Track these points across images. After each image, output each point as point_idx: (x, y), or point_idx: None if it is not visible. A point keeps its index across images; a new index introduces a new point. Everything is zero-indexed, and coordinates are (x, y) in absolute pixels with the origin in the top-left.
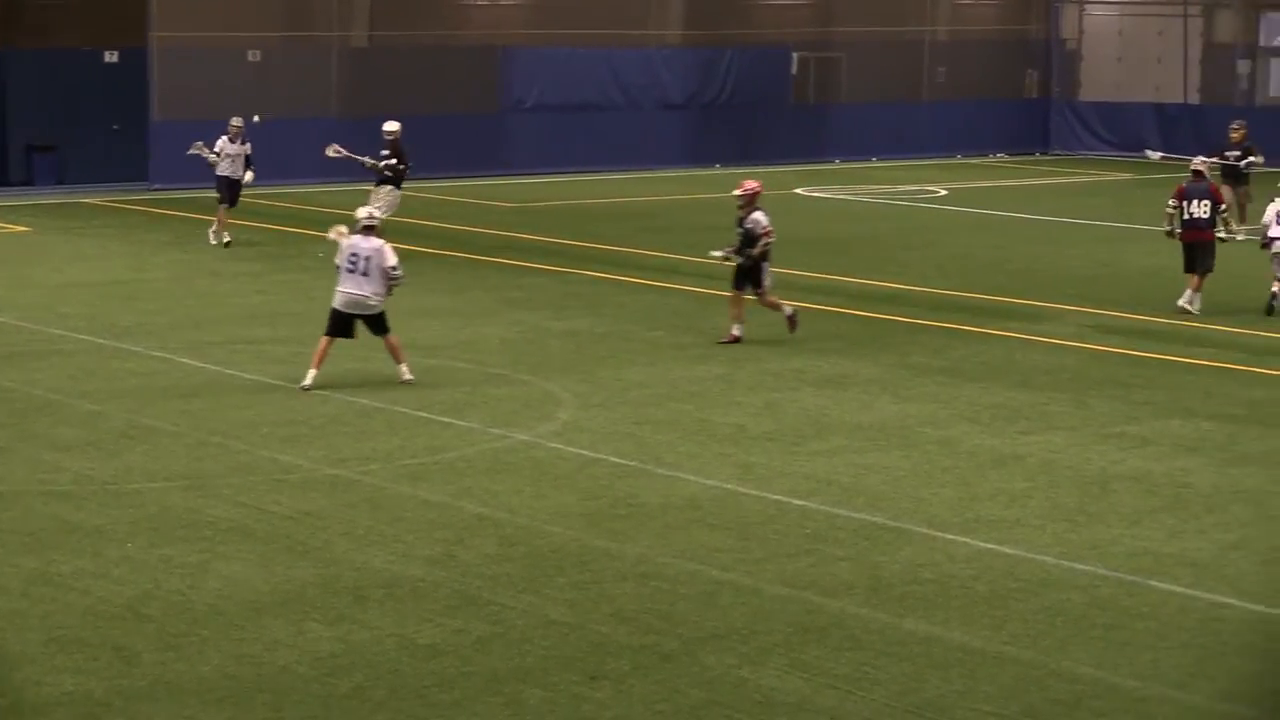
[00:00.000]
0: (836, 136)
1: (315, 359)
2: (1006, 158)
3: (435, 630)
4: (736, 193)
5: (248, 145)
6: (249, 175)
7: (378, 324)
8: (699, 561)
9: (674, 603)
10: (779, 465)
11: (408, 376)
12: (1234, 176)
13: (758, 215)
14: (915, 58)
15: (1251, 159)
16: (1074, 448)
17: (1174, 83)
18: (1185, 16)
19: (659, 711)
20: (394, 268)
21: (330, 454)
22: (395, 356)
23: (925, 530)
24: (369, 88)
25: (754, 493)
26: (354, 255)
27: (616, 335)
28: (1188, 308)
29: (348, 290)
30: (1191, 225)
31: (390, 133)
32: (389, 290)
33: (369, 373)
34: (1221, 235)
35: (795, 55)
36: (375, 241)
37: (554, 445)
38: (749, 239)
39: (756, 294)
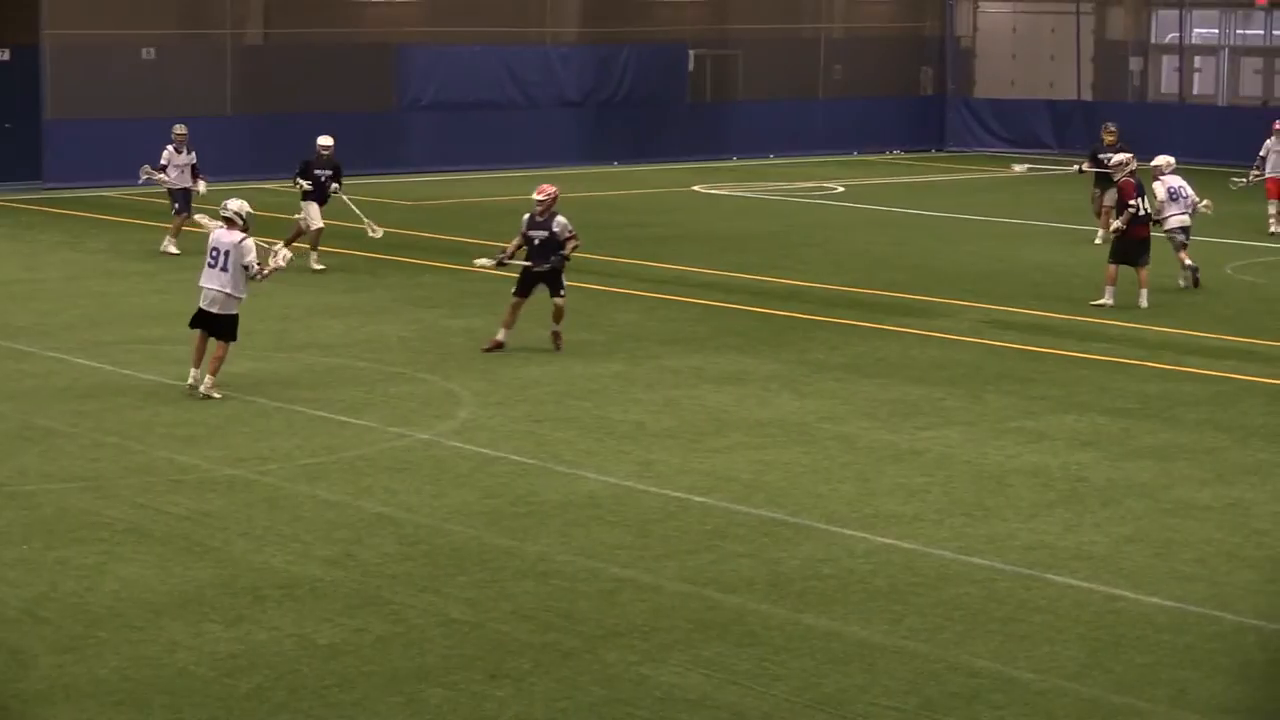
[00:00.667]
0: (734, 134)
1: (193, 357)
2: (903, 154)
3: (335, 630)
4: (538, 197)
5: (193, 155)
6: (202, 186)
7: (220, 327)
8: (599, 559)
9: (574, 600)
10: (679, 462)
11: (211, 392)
12: (1108, 180)
13: (561, 219)
14: (812, 55)
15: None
16: (971, 443)
17: (1067, 80)
18: (1078, 14)
19: (560, 709)
20: (248, 265)
21: (228, 454)
22: (212, 366)
23: (824, 526)
24: (264, 86)
25: (654, 490)
26: (214, 249)
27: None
28: (1109, 303)
29: (204, 285)
30: (1140, 221)
31: (327, 148)
32: (246, 284)
33: (267, 373)
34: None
35: (692, 53)
36: (235, 235)
37: (453, 444)
38: (553, 244)
39: (558, 300)
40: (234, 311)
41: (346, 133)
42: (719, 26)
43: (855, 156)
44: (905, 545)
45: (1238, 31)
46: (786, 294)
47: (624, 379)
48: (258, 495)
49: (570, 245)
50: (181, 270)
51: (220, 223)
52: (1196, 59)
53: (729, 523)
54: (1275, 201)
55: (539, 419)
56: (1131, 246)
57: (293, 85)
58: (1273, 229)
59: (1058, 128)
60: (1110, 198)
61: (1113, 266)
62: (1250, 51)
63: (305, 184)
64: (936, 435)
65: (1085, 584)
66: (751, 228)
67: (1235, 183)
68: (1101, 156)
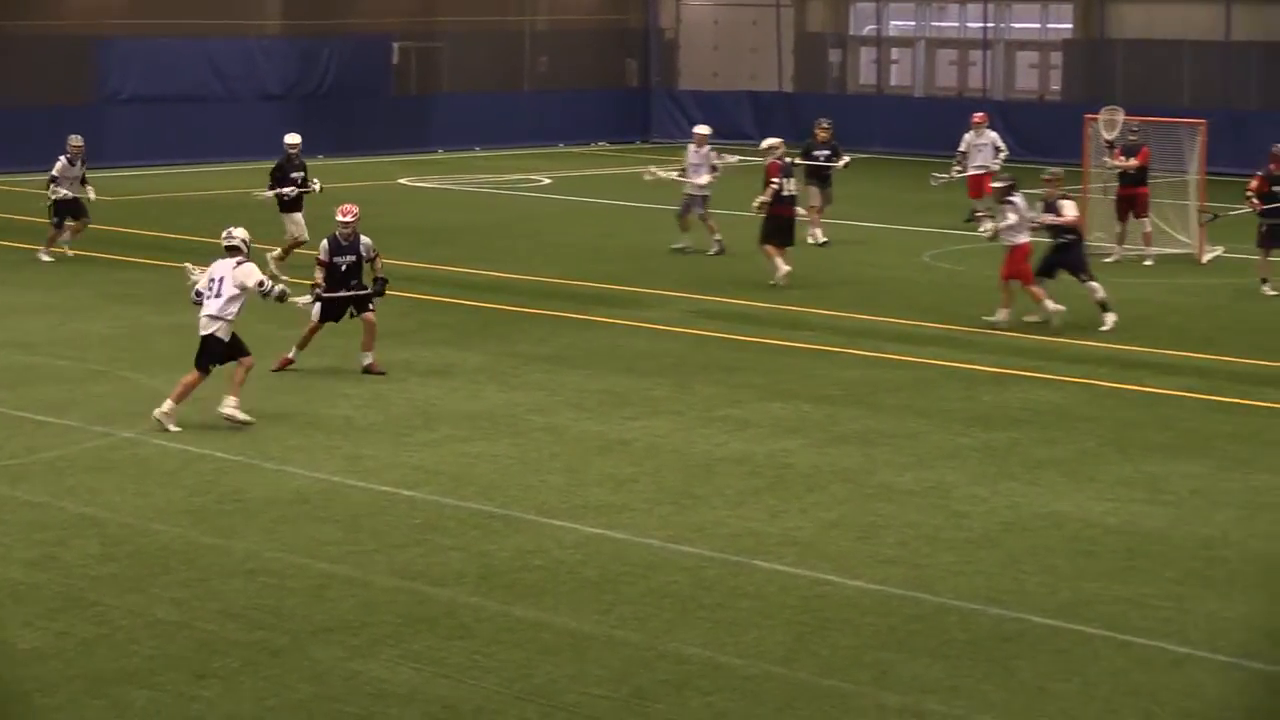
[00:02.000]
0: (439, 126)
1: (177, 391)
2: (608, 146)
3: (37, 634)
4: (344, 219)
5: (84, 166)
6: (91, 193)
7: (234, 348)
8: (307, 555)
9: (283, 597)
10: (387, 456)
11: (236, 413)
12: (820, 177)
13: (366, 239)
14: (517, 47)
15: (844, 160)
16: (679, 432)
17: (769, 72)
18: (778, 6)
19: (269, 708)
20: (260, 284)
21: None
22: (235, 388)
23: (534, 517)
24: None
25: (362, 484)
26: (213, 279)
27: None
28: (782, 282)
29: (206, 315)
30: (784, 201)
31: (296, 145)
32: (239, 305)
33: None
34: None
35: (396, 45)
36: (233, 260)
37: (158, 442)
38: (359, 267)
39: (368, 316)
40: (231, 332)
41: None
42: (423, 19)
43: (561, 148)
44: (614, 535)
45: (933, 24)
46: (494, 286)
47: (332, 373)
48: None
49: (379, 263)
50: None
51: (200, 268)
52: (894, 51)
53: (438, 516)
54: (975, 200)
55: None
56: (778, 225)
57: None
58: (983, 226)
59: (760, 119)
60: (822, 197)
61: (769, 246)
62: (945, 43)
63: (287, 192)
64: (644, 425)
65: (791, 569)
66: (458, 220)
67: (937, 178)
68: (816, 153)
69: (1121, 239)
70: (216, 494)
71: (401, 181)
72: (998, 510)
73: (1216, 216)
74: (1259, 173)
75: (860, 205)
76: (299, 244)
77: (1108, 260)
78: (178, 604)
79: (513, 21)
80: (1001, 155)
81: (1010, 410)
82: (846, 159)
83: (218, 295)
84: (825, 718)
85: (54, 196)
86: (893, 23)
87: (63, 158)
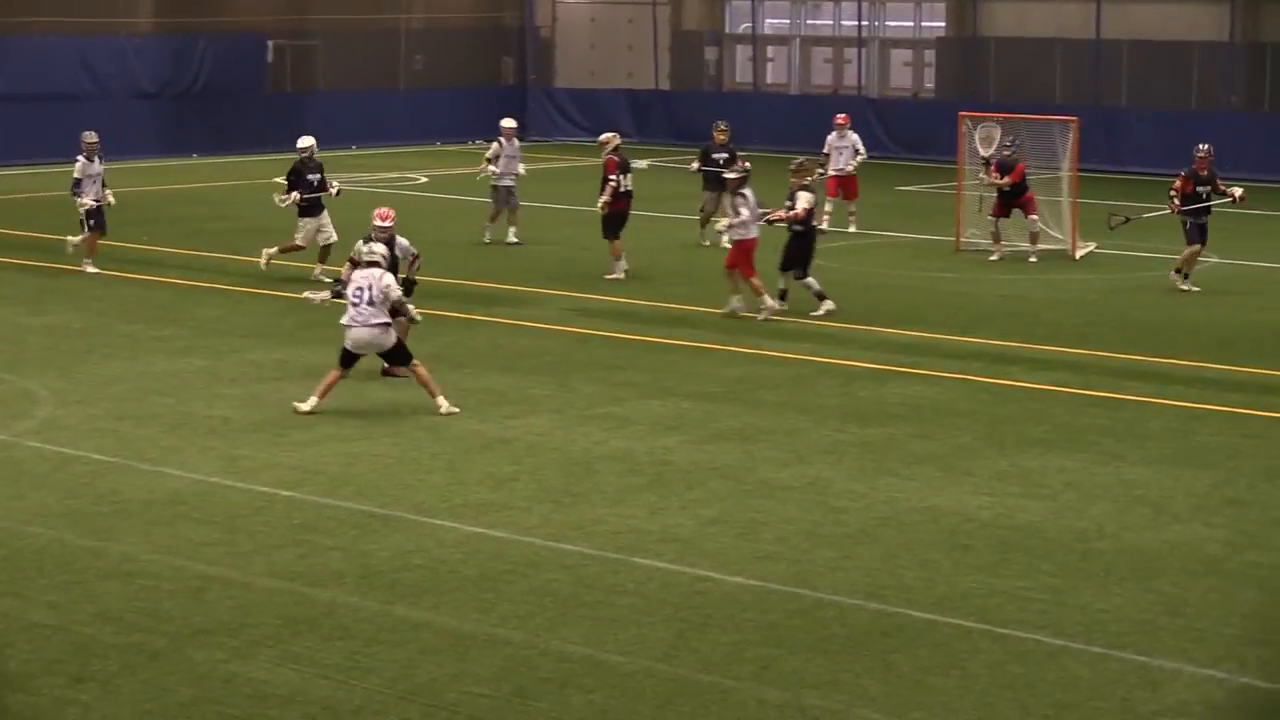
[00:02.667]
0: (315, 125)
1: (321, 388)
2: (485, 144)
3: None
4: (382, 223)
5: (103, 163)
6: (110, 197)
7: (395, 353)
8: (185, 557)
9: (160, 600)
10: (265, 456)
11: (452, 408)
12: (719, 181)
13: (403, 241)
14: (392, 45)
15: (746, 166)
16: (559, 430)
17: (645, 69)
18: (654, 4)
19: (147, 711)
20: (388, 293)
21: None
22: (431, 389)
23: (414, 517)
24: None
25: (240, 485)
26: (359, 288)
27: (96, 330)
28: (620, 276)
29: (356, 323)
30: (622, 196)
31: (308, 147)
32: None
33: None
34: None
35: (271, 43)
36: (377, 271)
37: (32, 444)
38: (394, 269)
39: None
40: (392, 335)
41: None
42: (298, 16)
43: (438, 146)
44: (495, 534)
45: (808, 22)
46: None
47: (208, 374)
48: None
49: (416, 265)
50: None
51: (325, 294)
52: (770, 49)
53: (317, 516)
54: (833, 199)
55: (120, 417)
56: (615, 220)
57: None
58: (836, 224)
59: (637, 117)
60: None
61: (613, 241)
62: (820, 41)
63: (298, 197)
64: (525, 423)
65: (672, 566)
66: (335, 219)
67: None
68: (715, 156)
69: (997, 238)
70: (92, 496)
71: (278, 180)
72: (875, 505)
73: (1129, 219)
74: (1183, 172)
75: None
76: (298, 249)
77: (992, 259)
78: (54, 607)
79: (388, 19)
80: (859, 158)
81: (887, 406)
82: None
83: (370, 303)
84: (706, 714)
85: (82, 208)
86: (768, 21)
87: (80, 158)
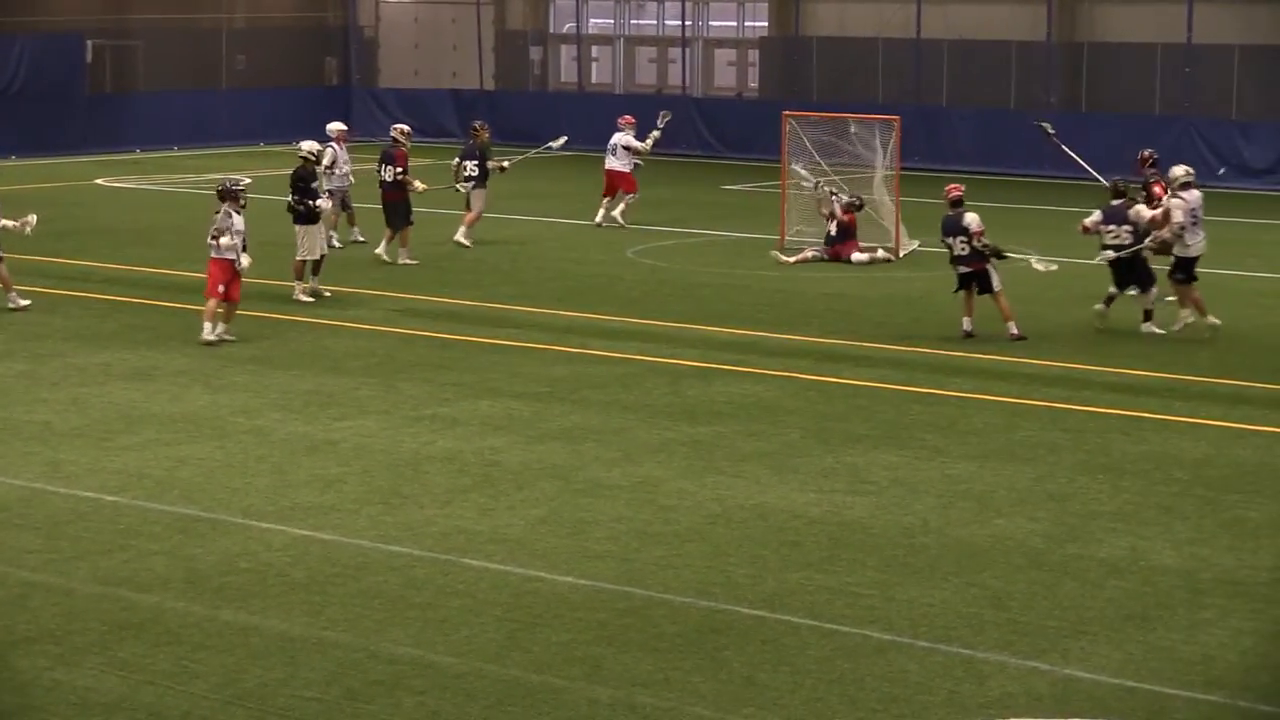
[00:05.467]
0: (136, 126)
1: None
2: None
3: None
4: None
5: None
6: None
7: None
8: (7, 563)
9: None
10: (88, 461)
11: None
12: (480, 180)
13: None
14: (214, 45)
15: (504, 165)
16: (386, 431)
17: (470, 69)
18: (478, 4)
19: None
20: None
21: None
22: None
23: (241, 520)
24: None
25: (63, 490)
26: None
27: None
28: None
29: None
30: (392, 186)
31: (312, 152)
32: None
33: None
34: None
35: (90, 43)
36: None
37: None
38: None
39: None
40: None
41: None
42: (117, 16)
43: (262, 147)
44: (323, 536)
45: (632, 21)
46: (195, 287)
47: (28, 378)
48: None
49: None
50: None
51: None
52: (594, 49)
53: (142, 521)
54: (608, 199)
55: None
56: (394, 210)
57: None
58: (598, 220)
59: (462, 117)
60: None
61: (390, 230)
62: (645, 41)
63: (300, 203)
64: (352, 425)
65: (502, 567)
66: (156, 221)
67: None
68: (467, 163)
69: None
70: None
71: (99, 182)
72: (705, 503)
73: (1053, 132)
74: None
75: (566, 202)
76: (323, 258)
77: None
78: None
79: (208, 19)
80: (631, 156)
81: (715, 404)
82: (506, 162)
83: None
84: (538, 714)
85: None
86: (592, 20)
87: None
